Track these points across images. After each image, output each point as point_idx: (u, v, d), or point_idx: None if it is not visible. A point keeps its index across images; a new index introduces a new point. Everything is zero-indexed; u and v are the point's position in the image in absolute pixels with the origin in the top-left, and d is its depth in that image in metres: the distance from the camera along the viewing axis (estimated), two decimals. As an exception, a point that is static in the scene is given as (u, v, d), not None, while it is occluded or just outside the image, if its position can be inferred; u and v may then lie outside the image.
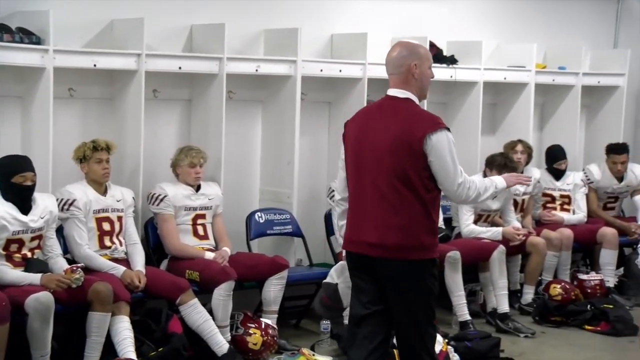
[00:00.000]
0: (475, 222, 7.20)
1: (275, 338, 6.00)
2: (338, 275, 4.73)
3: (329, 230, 6.79)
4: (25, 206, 5.34)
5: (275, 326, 6.06)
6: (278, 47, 6.78)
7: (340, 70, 6.99)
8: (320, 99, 7.23)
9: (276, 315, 6.15)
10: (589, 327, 6.95)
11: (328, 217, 6.80)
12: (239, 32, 6.67)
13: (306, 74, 6.75)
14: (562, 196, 8.05)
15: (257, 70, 6.58)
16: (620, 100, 8.68)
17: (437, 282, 4.37)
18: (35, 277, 5.20)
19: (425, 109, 4.82)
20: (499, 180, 4.49)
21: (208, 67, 6.33)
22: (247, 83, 6.79)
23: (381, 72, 7.06)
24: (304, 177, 7.00)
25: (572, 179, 8.07)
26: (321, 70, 6.89)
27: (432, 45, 7.45)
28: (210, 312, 5.76)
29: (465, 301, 6.69)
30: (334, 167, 7.10)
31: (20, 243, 5.32)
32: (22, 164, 5.38)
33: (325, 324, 6.23)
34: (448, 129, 4.21)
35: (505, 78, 7.95)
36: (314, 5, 7.20)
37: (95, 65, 5.89)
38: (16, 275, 5.23)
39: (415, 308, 4.28)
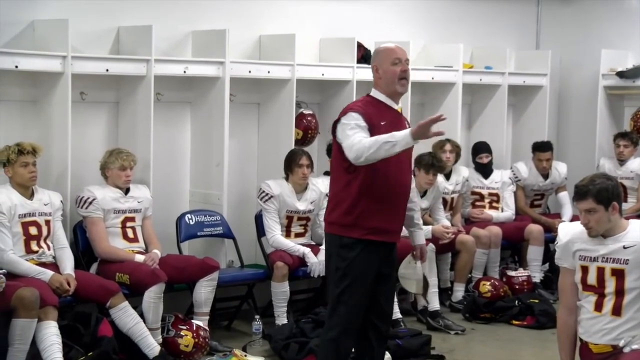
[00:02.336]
0: None
1: (206, 339, 5.98)
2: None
3: (260, 231, 6.79)
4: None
5: (206, 328, 6.04)
6: (206, 48, 6.75)
7: (269, 72, 6.98)
8: (249, 100, 7.22)
9: (207, 317, 6.13)
10: (516, 322, 7.10)
11: (259, 218, 6.80)
12: (166, 33, 6.64)
13: (235, 75, 6.73)
14: (490, 194, 8.19)
15: (185, 71, 6.54)
16: (544, 99, 8.86)
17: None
18: (-49, 286, 5.06)
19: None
20: (400, 133, 4.38)
21: (135, 69, 6.28)
22: (176, 85, 6.76)
23: (310, 73, 7.23)
24: (234, 178, 6.99)
25: (500, 177, 8.21)
26: (250, 72, 6.88)
27: (359, 46, 7.51)
28: (141, 314, 5.71)
29: (396, 300, 6.72)
30: (263, 168, 7.17)
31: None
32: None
33: (257, 325, 6.23)
34: (354, 111, 4.59)
35: (433, 78, 8.04)
36: (242, 7, 7.19)
37: (16, 67, 5.80)
38: None
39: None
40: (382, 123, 4.59)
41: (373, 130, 4.53)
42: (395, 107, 4.76)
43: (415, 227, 5.01)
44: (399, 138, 4.34)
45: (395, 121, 4.69)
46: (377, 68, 4.74)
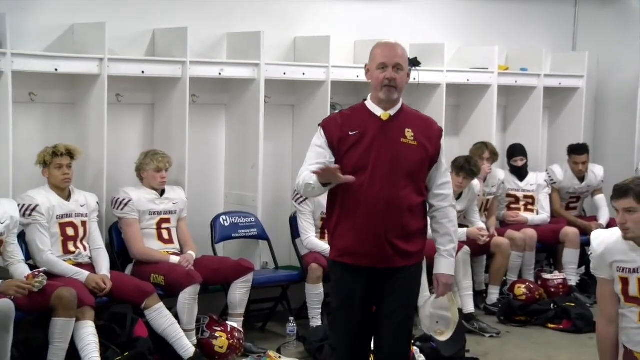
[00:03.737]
0: None
1: (241, 341, 6.00)
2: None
3: (294, 233, 6.79)
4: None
5: (241, 329, 6.06)
6: (241, 50, 6.77)
7: (304, 74, 6.99)
8: (284, 102, 7.23)
9: (242, 319, 6.15)
10: (552, 326, 7.04)
11: (293, 220, 6.81)
12: (201, 35, 6.67)
13: (269, 77, 6.75)
14: (525, 197, 8.13)
15: (220, 73, 6.57)
16: (580, 101, 8.75)
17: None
18: (-7, 284, 5.14)
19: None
20: (314, 177, 4.00)
21: (171, 71, 6.32)
22: (211, 87, 6.79)
23: (344, 75, 7.22)
24: (269, 180, 7.00)
25: (535, 180, 8.15)
26: (284, 74, 6.89)
27: (395, 47, 7.48)
28: (176, 316, 5.74)
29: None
30: (298, 170, 7.13)
31: (-22, 250, 5.28)
32: (-18, 169, 5.34)
33: (291, 326, 6.24)
34: (322, 125, 4.25)
35: (468, 80, 7.99)
36: (277, 9, 7.20)
37: (56, 70, 5.86)
38: (-26, 282, 5.17)
39: None
40: (352, 133, 4.13)
41: (340, 143, 4.13)
42: (381, 113, 4.17)
43: (437, 253, 4.28)
44: (314, 182, 4.00)
45: (376, 131, 4.13)
46: (367, 69, 4.28)
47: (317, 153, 4.19)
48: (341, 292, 4.24)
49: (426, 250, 4.30)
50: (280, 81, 6.95)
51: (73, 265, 5.67)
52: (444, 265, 4.25)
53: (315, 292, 6.46)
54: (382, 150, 4.12)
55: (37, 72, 5.85)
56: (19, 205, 5.54)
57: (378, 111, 4.18)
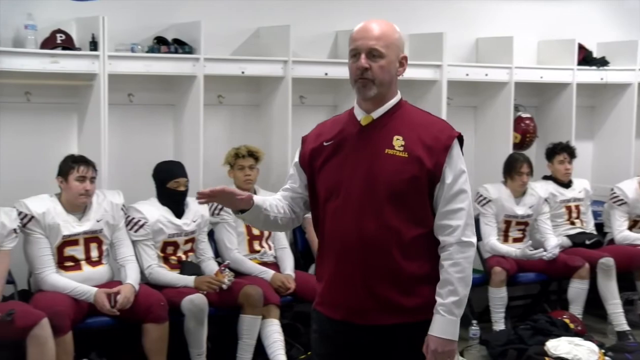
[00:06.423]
0: (630, 228, 6.93)
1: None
2: None
3: (476, 236, 6.66)
4: (178, 210, 5.49)
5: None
6: (423, 51, 6.74)
7: (486, 75, 6.91)
8: (466, 104, 7.16)
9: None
10: None
11: (475, 223, 6.67)
12: (383, 37, 6.65)
13: (452, 79, 6.69)
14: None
15: (402, 75, 6.52)
16: None
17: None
18: (189, 280, 5.34)
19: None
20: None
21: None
22: (394, 88, 6.77)
23: (528, 76, 7.06)
24: (451, 182, 6.90)
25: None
26: (467, 75, 6.83)
27: (580, 47, 7.27)
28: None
29: (622, 310, 6.45)
30: (481, 172, 7.06)
31: (175, 246, 5.48)
32: (176, 169, 5.53)
33: (474, 330, 6.14)
34: (303, 138, 3.33)
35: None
36: (459, 9, 7.14)
37: (243, 73, 6.00)
38: (172, 277, 5.39)
39: None
40: (326, 144, 3.15)
41: (313, 156, 3.18)
42: (362, 117, 3.13)
43: (434, 308, 3.03)
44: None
45: (353, 140, 3.11)
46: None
47: (290, 176, 3.30)
48: (318, 348, 3.24)
49: None
50: (462, 82, 6.89)
51: (258, 264, 5.77)
52: (438, 326, 3.02)
53: (498, 296, 6.34)
54: (357, 166, 3.07)
55: (225, 75, 5.99)
56: (208, 204, 5.70)
57: (360, 114, 3.14)
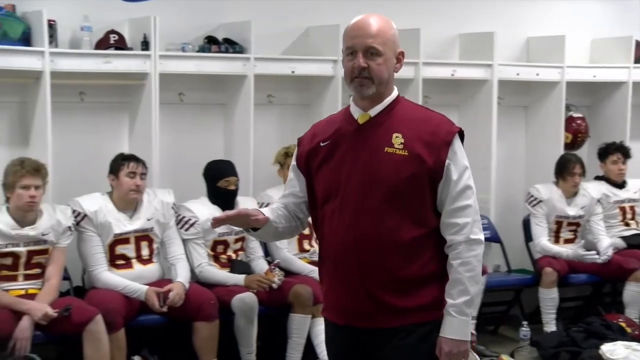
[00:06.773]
0: None
1: (473, 344, 5.90)
2: None
3: (527, 236, 6.64)
4: (229, 209, 5.49)
5: (473, 332, 5.96)
6: (473, 51, 6.71)
7: (538, 74, 6.86)
8: (517, 103, 7.11)
9: (474, 321, 6.05)
10: None
11: (526, 223, 6.66)
12: (434, 37, 6.64)
13: (502, 78, 6.66)
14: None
15: (452, 74, 6.53)
16: None
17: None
18: (239, 278, 5.37)
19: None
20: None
21: (404, 72, 6.27)
22: (442, 88, 6.75)
23: (580, 75, 6.99)
24: (501, 182, 6.87)
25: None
26: (518, 74, 6.79)
27: (637, 45, 7.17)
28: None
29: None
30: (531, 172, 7.01)
31: (226, 244, 5.52)
32: (226, 168, 5.57)
33: (525, 331, 6.09)
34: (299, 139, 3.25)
35: None
36: (509, 9, 7.10)
37: (293, 72, 6.01)
38: (223, 275, 5.43)
39: None
40: (323, 144, 3.06)
41: (310, 158, 3.09)
42: (359, 115, 3.01)
43: (444, 308, 2.97)
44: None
45: (350, 139, 3.00)
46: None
47: (289, 180, 3.22)
48: (329, 351, 3.25)
49: None
50: (513, 82, 6.85)
51: (308, 263, 5.78)
52: (450, 327, 2.95)
53: (549, 297, 6.30)
54: (356, 165, 2.98)
55: (275, 75, 6.01)
56: (257, 203, 5.72)
57: (357, 112, 3.03)
